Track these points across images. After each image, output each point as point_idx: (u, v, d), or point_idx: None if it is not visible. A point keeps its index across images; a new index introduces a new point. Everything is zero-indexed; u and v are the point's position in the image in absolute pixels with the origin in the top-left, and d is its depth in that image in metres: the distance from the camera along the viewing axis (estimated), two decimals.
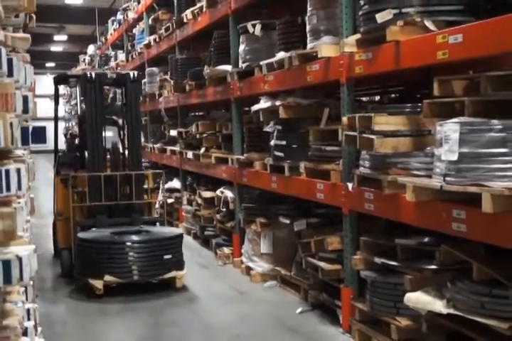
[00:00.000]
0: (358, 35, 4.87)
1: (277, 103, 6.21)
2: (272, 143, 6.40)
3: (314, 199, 5.68)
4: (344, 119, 4.88)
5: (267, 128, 6.55)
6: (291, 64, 5.87)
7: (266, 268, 7.00)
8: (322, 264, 5.58)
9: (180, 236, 7.04)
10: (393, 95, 7.80)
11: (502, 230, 3.41)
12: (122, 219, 7.43)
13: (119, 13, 17.52)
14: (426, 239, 4.51)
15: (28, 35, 2.96)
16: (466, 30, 3.67)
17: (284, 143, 6.26)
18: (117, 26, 17.66)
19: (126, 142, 7.82)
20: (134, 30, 15.28)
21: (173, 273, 6.72)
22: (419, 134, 4.37)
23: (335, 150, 5.41)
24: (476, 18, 4.14)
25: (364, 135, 4.52)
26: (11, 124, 2.04)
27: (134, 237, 6.82)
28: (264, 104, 6.53)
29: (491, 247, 3.73)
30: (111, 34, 19.06)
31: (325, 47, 5.25)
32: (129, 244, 6.61)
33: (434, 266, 4.29)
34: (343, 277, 5.35)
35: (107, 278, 6.50)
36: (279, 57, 6.21)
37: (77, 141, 8.94)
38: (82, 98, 8.11)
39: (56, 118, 8.70)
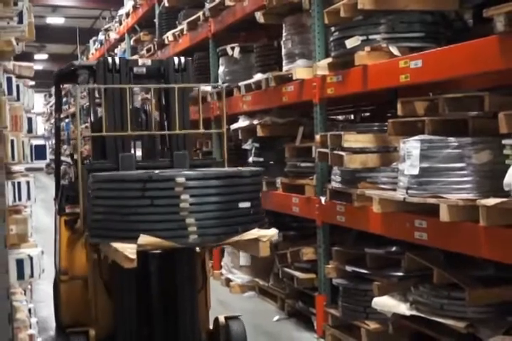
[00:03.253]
0: (329, 59, 5.23)
1: (255, 122, 6.57)
2: (250, 159, 6.74)
3: (290, 212, 6.01)
4: (317, 137, 5.23)
5: (246, 146, 6.90)
6: (268, 85, 6.22)
7: (245, 280, 7.30)
8: (297, 274, 5.91)
9: (258, 175, 4.39)
10: (366, 114, 8.18)
11: (458, 237, 3.76)
12: (158, 162, 4.84)
13: (100, 33, 17.87)
14: (393, 248, 4.85)
15: (31, 64, 3.28)
16: (425, 56, 4.04)
17: (261, 159, 6.61)
18: (99, 46, 18.00)
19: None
20: (115, 51, 15.61)
21: (254, 233, 4.03)
22: (385, 151, 4.72)
23: (309, 166, 5.75)
24: (436, 44, 4.53)
25: (335, 152, 4.87)
26: (23, 142, 2.37)
27: (188, 172, 4.14)
28: (242, 122, 6.89)
29: (450, 253, 4.08)
30: (92, 54, 19.39)
31: (299, 70, 5.61)
32: (180, 180, 3.88)
33: (399, 273, 4.64)
34: (317, 285, 5.67)
35: (144, 239, 3.77)
36: (256, 78, 6.56)
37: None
38: (96, 99, 5.25)
39: (58, 132, 6.39)
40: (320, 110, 5.43)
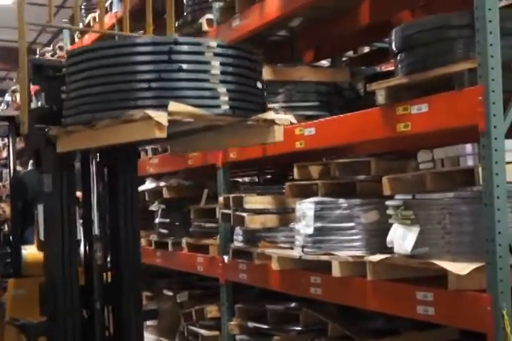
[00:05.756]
0: None
1: (161, 184, 6.80)
2: (157, 220, 6.94)
3: (195, 271, 6.20)
4: (220, 199, 5.50)
5: (152, 207, 7.10)
6: None
7: (151, 340, 7.38)
8: (202, 331, 6.07)
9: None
10: (269, 176, 8.52)
11: (349, 292, 4.04)
12: None
13: (7, 94, 17.84)
14: (292, 304, 5.11)
15: None
16: (317, 125, 4.39)
17: (167, 220, 6.81)
18: (5, 107, 17.93)
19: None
20: None
21: (271, 115, 3.75)
22: (283, 212, 5.02)
23: (213, 226, 5.98)
24: (330, 112, 4.90)
25: (237, 213, 5.13)
26: None
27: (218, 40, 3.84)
28: (149, 185, 7.10)
29: (344, 307, 4.35)
30: None
31: None
32: (212, 44, 3.49)
33: (298, 328, 4.87)
34: None
35: (175, 106, 3.25)
36: None
37: (6, 227, 5.62)
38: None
39: None
40: (223, 173, 5.70)
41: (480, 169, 3.21)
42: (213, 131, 3.95)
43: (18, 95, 16.06)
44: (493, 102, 3.12)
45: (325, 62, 6.69)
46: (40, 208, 4.27)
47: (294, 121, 4.84)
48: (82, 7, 11.02)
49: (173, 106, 3.26)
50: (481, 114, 3.13)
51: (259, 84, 3.77)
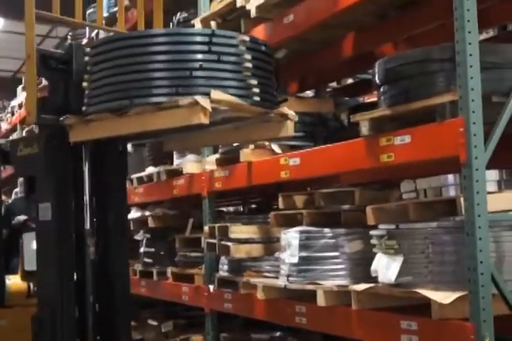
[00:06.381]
0: (217, 155, 5.60)
1: (147, 213, 6.82)
2: (142, 250, 6.94)
3: (180, 301, 6.20)
4: (205, 228, 5.52)
5: (137, 237, 7.10)
6: (160, 178, 6.51)
7: None
8: None
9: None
10: (253, 205, 8.55)
11: (333, 320, 4.07)
12: None
13: None
14: (277, 333, 5.13)
15: None
16: (302, 155, 4.44)
17: (152, 250, 6.82)
18: None
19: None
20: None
21: (284, 109, 3.94)
22: (268, 241, 5.05)
23: (198, 256, 6.00)
24: (314, 142, 4.96)
25: (222, 242, 5.16)
26: None
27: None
28: (134, 214, 7.12)
29: (329, 335, 4.37)
30: None
31: (189, 165, 5.94)
32: (245, 38, 3.71)
33: None
34: None
35: (217, 94, 3.42)
36: (148, 171, 6.86)
37: None
38: None
39: None
40: (208, 202, 5.74)
41: (462, 199, 3.27)
42: (223, 126, 4.07)
43: (2, 124, 16.08)
44: (474, 134, 3.19)
45: (309, 93, 6.78)
46: (27, 237, 4.28)
47: (278, 151, 4.92)
48: (68, 37, 11.16)
49: (215, 94, 3.40)
50: (462, 145, 3.20)
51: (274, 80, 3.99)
